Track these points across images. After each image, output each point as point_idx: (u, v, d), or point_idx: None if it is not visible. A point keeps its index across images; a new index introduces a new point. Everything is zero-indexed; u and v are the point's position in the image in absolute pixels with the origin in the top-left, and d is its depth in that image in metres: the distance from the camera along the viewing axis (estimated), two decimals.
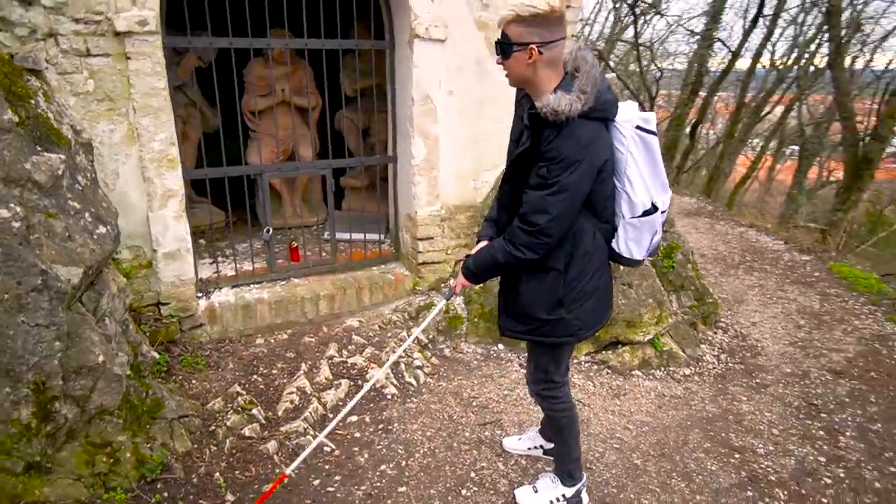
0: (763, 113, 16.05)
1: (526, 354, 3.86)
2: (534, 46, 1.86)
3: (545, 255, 2.05)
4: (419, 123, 3.95)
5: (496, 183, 4.38)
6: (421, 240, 4.17)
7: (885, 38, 14.50)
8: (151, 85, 3.17)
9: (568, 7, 4.25)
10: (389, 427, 3.07)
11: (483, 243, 2.30)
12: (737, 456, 3.01)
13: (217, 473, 2.60)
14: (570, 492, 2.52)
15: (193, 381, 3.26)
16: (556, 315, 2.13)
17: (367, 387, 2.50)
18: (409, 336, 3.83)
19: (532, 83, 1.97)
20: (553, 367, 2.34)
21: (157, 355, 2.93)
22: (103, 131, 3.10)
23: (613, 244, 2.14)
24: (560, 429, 2.44)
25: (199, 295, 3.72)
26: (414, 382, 3.48)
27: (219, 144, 3.71)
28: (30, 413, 2.06)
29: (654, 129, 2.01)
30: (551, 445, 2.82)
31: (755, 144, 17.05)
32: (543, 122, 1.87)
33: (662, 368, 3.88)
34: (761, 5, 11.21)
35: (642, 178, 2.01)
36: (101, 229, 2.40)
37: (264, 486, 2.58)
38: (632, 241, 2.10)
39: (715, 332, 4.50)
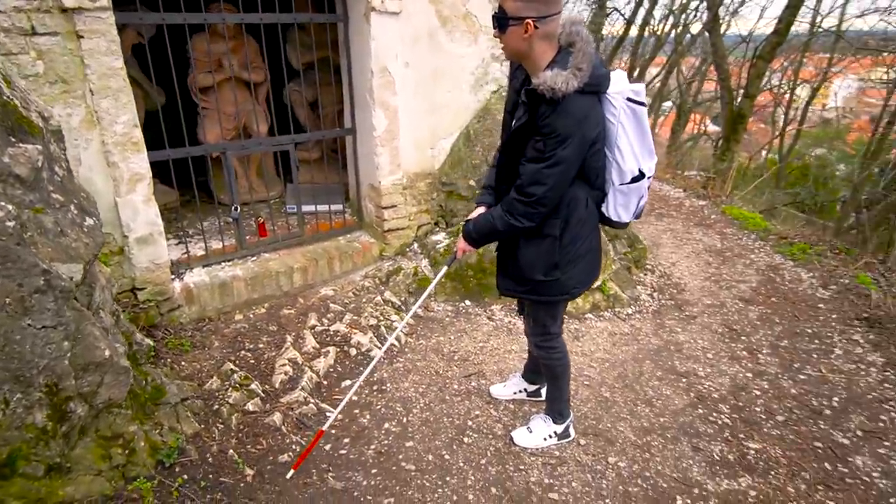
0: (648, 75, 16.77)
1: (491, 309, 3.96)
2: (530, 21, 1.79)
3: (541, 222, 2.06)
4: (379, 95, 3.78)
5: (452, 150, 4.33)
6: (385, 208, 4.07)
7: (741, 4, 15.54)
8: (108, 65, 2.81)
9: None
10: (383, 388, 3.05)
11: (481, 209, 2.30)
12: (683, 380, 3.26)
13: (230, 450, 2.49)
14: (560, 428, 2.66)
15: (183, 363, 3.05)
16: (551, 276, 2.16)
17: (379, 354, 2.45)
18: (395, 302, 3.78)
19: (528, 57, 1.91)
20: (550, 321, 2.40)
21: (150, 342, 2.71)
22: (60, 115, 2.72)
23: (603, 209, 2.15)
24: (556, 376, 2.53)
25: (173, 277, 3.45)
26: (397, 343, 3.46)
27: (158, 124, 3.36)
28: (44, 416, 1.85)
29: (643, 99, 1.98)
30: (534, 387, 2.94)
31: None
32: (540, 97, 1.83)
33: (610, 310, 4.09)
34: None
35: (631, 147, 1.99)
36: (89, 221, 2.15)
37: (279, 456, 2.51)
38: (621, 206, 2.11)
39: (645, 274, 4.78)
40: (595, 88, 1.89)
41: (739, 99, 10.59)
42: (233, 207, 3.71)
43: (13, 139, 1.93)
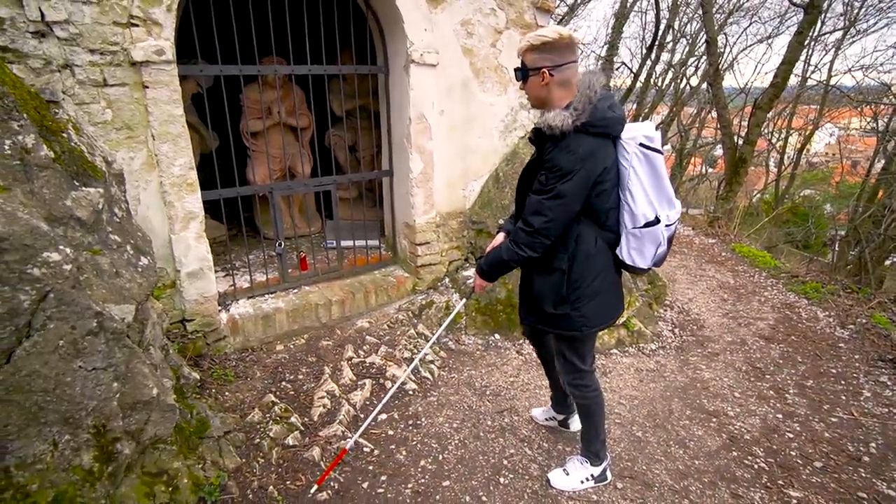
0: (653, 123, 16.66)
1: (520, 343, 3.72)
2: (545, 70, 1.81)
3: (551, 256, 1.98)
4: (416, 140, 3.66)
5: (482, 191, 4.17)
6: (419, 245, 3.90)
7: (733, 60, 15.48)
8: (169, 112, 2.72)
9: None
10: (418, 422, 2.82)
11: (500, 236, 2.23)
12: (714, 420, 2.97)
13: (270, 486, 2.27)
14: (597, 471, 2.40)
15: (227, 394, 2.87)
16: (560, 310, 2.03)
17: (392, 389, 2.23)
18: (428, 335, 3.59)
19: (547, 102, 1.89)
20: (576, 357, 2.19)
21: (197, 376, 2.53)
22: (123, 159, 2.63)
23: (618, 252, 1.99)
24: (590, 414, 2.30)
25: (220, 309, 3.29)
26: (430, 377, 3.24)
27: (211, 165, 3.28)
28: (91, 458, 1.67)
29: (658, 147, 1.86)
30: (562, 416, 2.71)
31: None
32: (546, 135, 1.82)
33: (634, 346, 3.82)
34: (654, 37, 11.49)
35: (644, 192, 1.87)
36: (144, 261, 2.00)
37: (318, 494, 2.28)
38: (634, 249, 1.95)
39: (665, 310, 4.51)
40: (601, 130, 1.81)
41: (740, 144, 10.34)
42: (277, 243, 3.58)
43: (77, 183, 1.81)
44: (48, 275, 1.49)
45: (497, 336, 3.74)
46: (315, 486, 2.28)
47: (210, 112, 3.49)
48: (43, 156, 1.67)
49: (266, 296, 3.59)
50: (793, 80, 11.69)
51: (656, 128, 1.94)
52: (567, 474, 2.41)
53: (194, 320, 3.07)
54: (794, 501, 2.36)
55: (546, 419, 2.80)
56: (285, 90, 4.41)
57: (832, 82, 13.13)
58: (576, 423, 2.67)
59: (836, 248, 10.88)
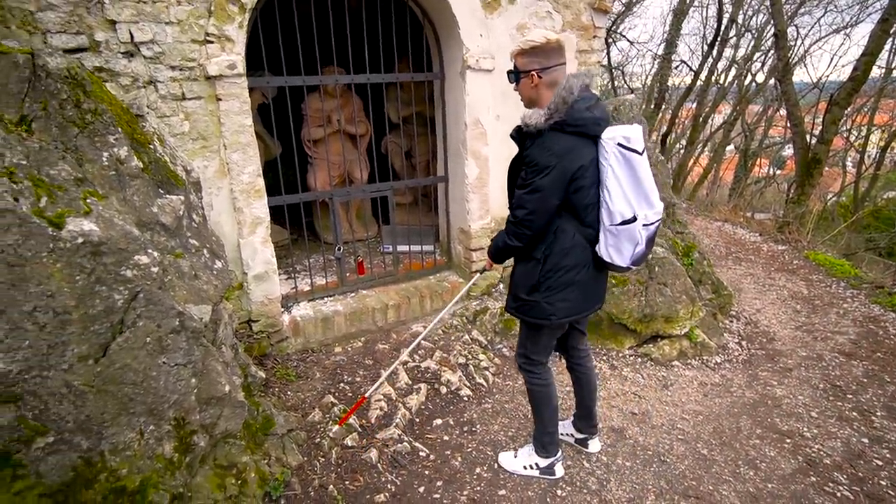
0: (710, 123, 15.95)
1: None
2: (534, 72, 1.94)
3: (532, 246, 2.07)
4: (471, 145, 3.69)
5: None
6: (474, 250, 3.92)
7: (805, 54, 14.52)
8: (240, 123, 2.89)
9: (594, 37, 4.00)
10: (473, 429, 2.83)
11: None
12: (788, 441, 2.80)
13: (331, 486, 2.35)
14: (543, 462, 2.45)
15: (289, 393, 2.99)
16: (532, 297, 2.11)
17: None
18: (482, 341, 3.60)
19: (536, 102, 1.99)
20: (530, 345, 2.28)
21: (263, 375, 2.66)
22: (198, 167, 2.81)
23: (597, 248, 2.05)
24: (534, 404, 2.39)
25: (282, 311, 3.44)
26: (484, 383, 3.24)
27: (275, 170, 3.45)
28: (172, 448, 1.79)
29: (636, 147, 1.90)
30: (581, 436, 2.65)
31: (710, 148, 16.89)
32: (525, 133, 1.94)
33: (697, 358, 3.67)
34: (717, 32, 11.00)
35: (622, 190, 1.92)
36: (218, 264, 2.13)
37: (375, 496, 2.33)
38: (611, 247, 2.00)
39: (731, 321, 4.30)
40: (578, 130, 1.89)
41: (813, 144, 9.71)
42: (336, 248, 3.70)
43: (161, 191, 1.95)
44: (139, 276, 1.62)
45: None
46: (336, 427, 2.61)
47: (274, 121, 3.67)
48: (134, 166, 1.82)
49: (325, 299, 3.72)
50: (875, 72, 10.87)
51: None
52: (515, 457, 2.52)
53: (259, 321, 3.23)
54: None
55: (562, 434, 2.66)
56: (344, 98, 4.56)
57: None
58: (595, 445, 2.64)
59: None
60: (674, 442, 2.76)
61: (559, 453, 2.47)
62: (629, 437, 2.80)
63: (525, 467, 2.47)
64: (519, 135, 1.99)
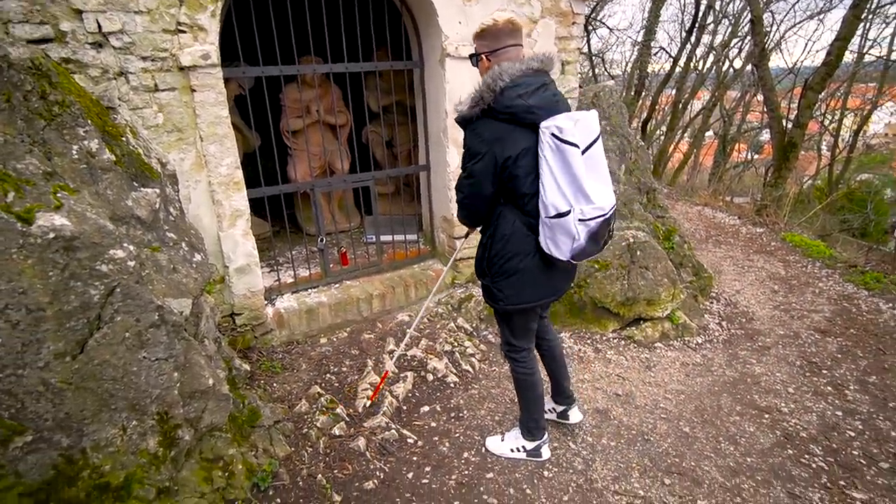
0: (690, 109, 16.13)
1: (561, 335, 3.70)
2: (483, 55, 1.95)
3: (483, 231, 2.12)
4: (452, 133, 3.67)
5: None
6: (457, 238, 3.91)
7: (781, 38, 14.70)
8: (216, 114, 2.83)
9: (573, 23, 4.00)
10: (460, 415, 2.85)
11: None
12: (766, 416, 2.88)
13: (319, 475, 2.35)
14: (529, 445, 2.49)
15: (275, 385, 2.98)
16: (484, 280, 2.15)
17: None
18: (468, 328, 3.61)
19: None
20: (507, 331, 2.30)
21: (247, 367, 2.64)
22: (174, 160, 2.75)
23: (539, 239, 1.97)
24: (519, 389, 2.42)
25: (266, 303, 3.41)
26: (470, 370, 3.26)
27: (254, 162, 3.40)
28: (156, 442, 1.78)
29: (569, 139, 1.78)
30: (561, 408, 2.68)
31: (689, 133, 17.08)
32: (465, 118, 1.91)
33: (679, 339, 3.73)
34: (695, 19, 11.07)
35: (555, 182, 1.83)
36: (197, 257, 2.10)
37: (364, 483, 2.34)
38: (549, 239, 1.93)
39: (711, 303, 4.38)
40: (508, 117, 1.84)
41: (789, 128, 9.87)
42: (319, 239, 3.67)
43: (136, 184, 1.91)
44: (115, 271, 1.59)
45: None
46: (369, 401, 2.79)
47: (252, 112, 3.61)
48: (105, 159, 1.78)
49: (309, 290, 3.70)
50: (848, 57, 11.06)
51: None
52: (502, 440, 2.55)
53: (242, 314, 3.20)
54: (858, 503, 2.27)
55: (547, 409, 2.69)
56: (323, 88, 4.50)
57: (893, 57, 12.32)
58: (576, 415, 2.67)
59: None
60: (657, 421, 2.82)
61: (545, 436, 2.50)
62: (613, 417, 2.84)
63: (512, 450, 2.50)
64: (459, 121, 1.94)
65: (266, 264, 3.97)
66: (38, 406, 1.51)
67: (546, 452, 2.50)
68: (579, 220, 1.83)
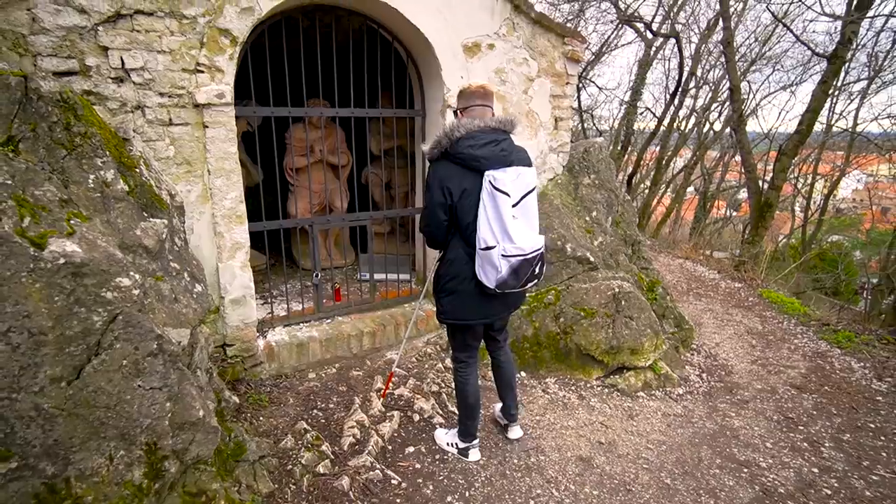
0: (672, 166, 16.72)
1: (546, 381, 3.70)
2: (458, 110, 2.37)
3: (436, 249, 2.45)
4: None
5: None
6: None
7: (756, 107, 15.48)
8: (225, 150, 2.90)
9: (567, 83, 4.20)
10: (445, 457, 2.80)
11: None
12: (745, 470, 2.87)
13: None
14: (461, 444, 2.77)
15: (261, 419, 2.91)
16: (435, 296, 2.49)
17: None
18: (441, 363, 3.60)
19: None
20: (452, 343, 2.63)
21: (236, 400, 2.59)
22: (181, 192, 2.79)
23: (475, 268, 2.29)
24: (457, 394, 2.68)
25: (258, 335, 3.38)
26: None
27: (256, 196, 3.47)
28: (142, 474, 1.73)
29: (502, 188, 2.13)
30: (504, 422, 2.98)
31: (672, 189, 17.60)
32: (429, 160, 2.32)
33: (661, 389, 3.74)
34: (678, 84, 11.65)
35: (488, 221, 2.17)
36: (198, 287, 2.11)
37: None
38: (479, 267, 2.26)
39: (692, 355, 4.42)
40: (459, 161, 2.19)
41: (765, 189, 10.24)
42: (314, 274, 3.68)
43: (145, 214, 1.94)
44: (119, 298, 1.60)
45: (523, 374, 3.72)
46: (381, 399, 3.06)
47: (259, 149, 3.67)
48: (119, 189, 1.81)
49: (301, 324, 3.68)
50: (818, 127, 11.62)
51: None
52: (445, 433, 2.87)
53: (234, 345, 3.16)
54: None
55: (497, 415, 3.08)
56: (328, 130, 4.62)
57: (858, 129, 13.00)
58: (515, 432, 2.95)
59: (869, 297, 10.50)
60: (639, 471, 2.79)
61: (475, 441, 2.76)
62: (596, 466, 2.82)
63: (447, 444, 2.81)
64: (430, 160, 2.32)
65: (260, 297, 3.95)
66: (28, 432, 1.48)
67: (474, 455, 2.76)
68: (502, 255, 2.17)
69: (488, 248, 2.18)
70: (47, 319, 1.47)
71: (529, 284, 2.34)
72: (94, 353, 1.57)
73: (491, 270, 2.21)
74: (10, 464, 1.47)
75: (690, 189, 19.00)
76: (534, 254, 2.22)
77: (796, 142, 8.76)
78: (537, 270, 2.31)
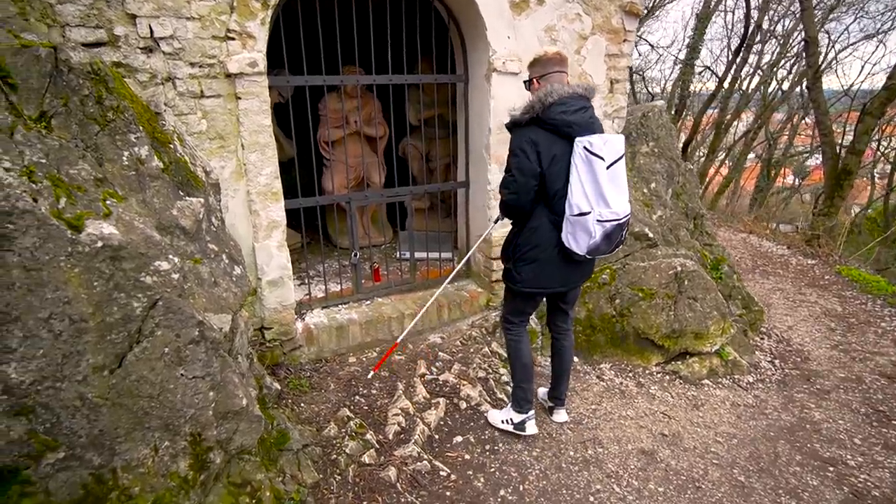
0: (734, 130, 15.83)
1: (601, 367, 3.58)
2: (535, 79, 2.41)
3: (515, 219, 2.50)
4: (495, 150, 3.63)
5: None
6: (494, 259, 3.84)
7: (832, 60, 14.30)
8: (259, 122, 2.85)
9: (624, 41, 3.93)
10: (495, 447, 2.75)
11: None
12: (831, 469, 2.70)
13: None
14: (517, 417, 2.76)
15: (302, 405, 2.93)
16: (507, 264, 2.57)
17: None
18: (502, 354, 3.52)
19: None
20: (508, 308, 2.69)
21: (278, 386, 2.60)
22: (215, 168, 2.76)
23: (561, 234, 2.35)
24: (509, 356, 2.76)
25: (296, 318, 3.39)
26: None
27: (289, 171, 3.44)
28: (187, 465, 1.74)
29: (598, 152, 2.20)
30: (550, 405, 2.99)
31: (731, 156, 16.73)
32: (513, 124, 2.37)
33: (728, 377, 3.56)
34: (744, 38, 10.88)
35: (581, 186, 2.24)
36: (237, 270, 2.08)
37: None
38: (570, 234, 2.32)
39: (762, 339, 4.19)
40: (551, 127, 2.26)
41: (843, 154, 9.55)
42: (353, 254, 3.65)
43: (181, 193, 1.91)
44: (158, 283, 1.57)
45: (576, 359, 3.61)
46: (372, 372, 3.06)
47: (293, 121, 3.63)
48: (154, 166, 1.77)
49: (340, 306, 3.67)
50: None
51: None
52: (498, 412, 2.87)
53: (272, 328, 3.18)
54: None
55: (541, 398, 3.11)
56: (364, 99, 4.52)
57: None
58: (560, 416, 2.96)
59: None
60: (708, 466, 2.67)
61: (531, 412, 2.75)
62: (661, 460, 2.70)
63: (502, 421, 2.81)
64: (509, 127, 2.38)
65: (296, 277, 3.96)
66: (73, 422, 1.49)
67: (531, 428, 2.75)
68: (597, 220, 2.24)
69: (582, 214, 2.25)
70: (87, 306, 1.46)
71: (617, 249, 2.46)
72: (136, 340, 1.56)
73: (583, 236, 2.28)
74: (57, 454, 1.49)
75: (751, 156, 18.01)
76: (625, 218, 2.32)
77: (884, 99, 8.08)
78: (625, 235, 2.42)
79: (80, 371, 1.48)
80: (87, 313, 1.47)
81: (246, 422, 2.00)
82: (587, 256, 2.36)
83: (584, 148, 2.21)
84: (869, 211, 14.76)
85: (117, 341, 1.53)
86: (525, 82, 2.49)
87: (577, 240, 2.31)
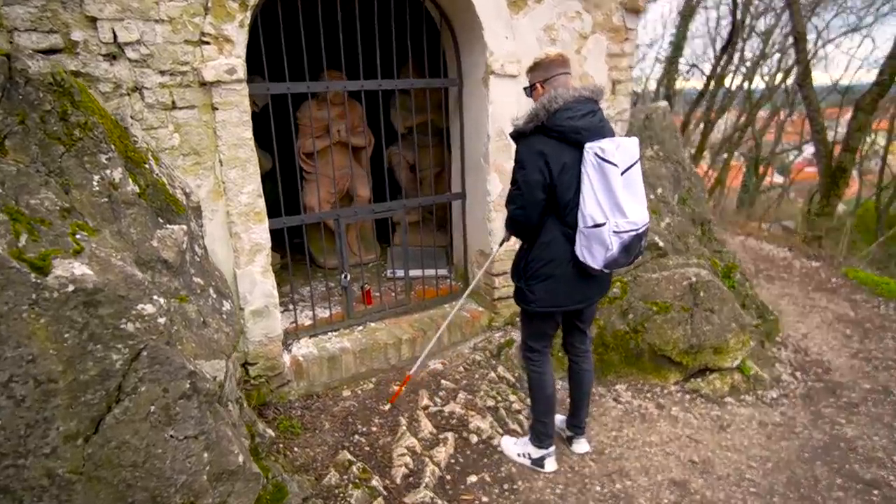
0: (723, 128, 16.18)
1: (616, 389, 3.48)
2: (538, 83, 2.33)
3: (526, 238, 2.43)
4: (494, 159, 3.53)
5: None
6: (496, 275, 3.73)
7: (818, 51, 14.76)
8: (238, 135, 2.68)
9: (626, 39, 3.90)
10: (514, 486, 2.62)
11: None
12: (875, 493, 2.64)
13: None
14: (535, 453, 2.68)
15: (296, 450, 2.74)
16: (519, 284, 2.46)
17: None
18: (510, 379, 3.39)
19: None
20: (526, 332, 2.61)
21: (272, 433, 2.42)
22: (190, 187, 2.59)
23: (575, 248, 2.28)
24: (530, 389, 2.66)
25: (282, 350, 3.21)
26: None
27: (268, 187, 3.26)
28: None
29: (610, 158, 2.13)
30: (569, 434, 2.89)
31: (718, 156, 17.08)
32: (518, 134, 2.30)
33: (751, 393, 3.51)
34: (731, 35, 11.14)
35: (594, 196, 2.17)
36: (226, 305, 1.91)
37: None
38: (584, 248, 2.25)
39: (779, 349, 4.16)
40: (558, 135, 2.18)
41: (837, 152, 9.78)
42: (343, 275, 3.49)
43: (161, 220, 1.74)
44: (142, 330, 1.40)
45: None
46: (389, 405, 2.99)
47: (274, 132, 3.47)
48: (129, 191, 1.61)
49: (330, 334, 3.49)
50: None
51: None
52: (514, 442, 2.80)
53: (257, 363, 2.99)
54: None
55: (558, 427, 2.92)
56: (345, 107, 4.38)
57: None
58: (581, 446, 2.86)
59: None
60: (746, 496, 2.58)
61: (551, 448, 2.68)
62: (695, 491, 2.61)
63: (519, 455, 2.75)
64: (514, 137, 2.32)
65: (280, 304, 3.77)
66: None
67: (551, 465, 2.67)
68: (614, 231, 2.16)
69: (597, 226, 2.17)
70: (57, 363, 1.28)
71: (634, 260, 2.40)
72: (116, 399, 1.39)
73: (599, 249, 2.21)
74: None
75: (736, 154, 18.40)
76: (644, 228, 2.25)
77: (875, 95, 8.31)
78: (644, 245, 2.35)
79: (49, 442, 1.29)
80: (57, 372, 1.29)
81: (242, 481, 1.83)
82: (604, 270, 2.31)
83: (595, 154, 2.14)
84: (859, 210, 15.21)
85: (93, 402, 1.35)
86: (525, 88, 2.41)
87: (592, 253, 2.24)
